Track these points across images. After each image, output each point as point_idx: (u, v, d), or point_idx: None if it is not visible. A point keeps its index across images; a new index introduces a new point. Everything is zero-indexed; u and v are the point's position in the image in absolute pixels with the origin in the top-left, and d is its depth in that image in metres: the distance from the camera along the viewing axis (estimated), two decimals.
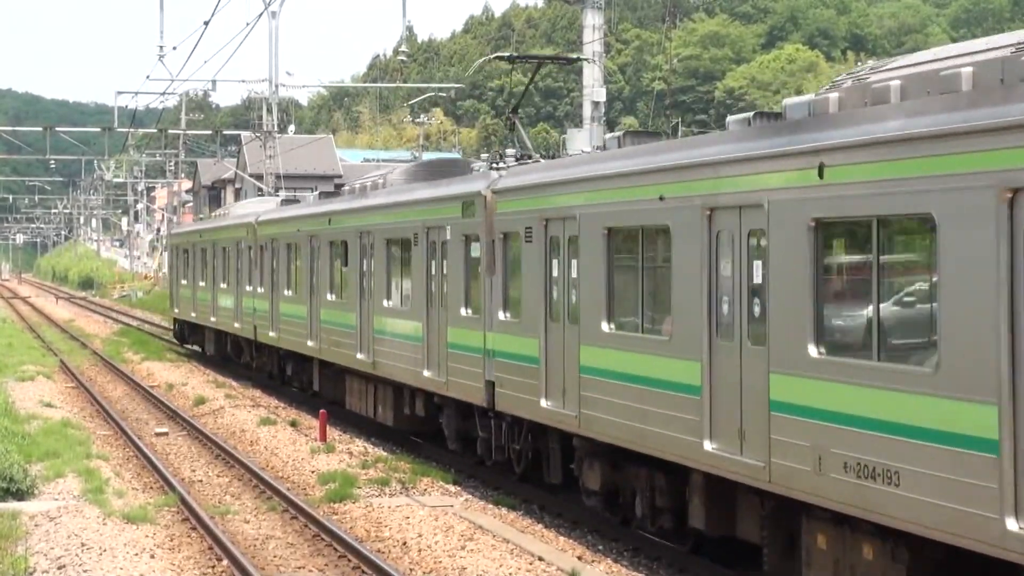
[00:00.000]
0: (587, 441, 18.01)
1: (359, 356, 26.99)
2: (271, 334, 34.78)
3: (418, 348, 23.64)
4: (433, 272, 23.24)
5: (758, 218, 13.67)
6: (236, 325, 39.47)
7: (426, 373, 23.29)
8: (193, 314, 46.95)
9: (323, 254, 29.87)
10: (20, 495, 20.89)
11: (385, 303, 25.68)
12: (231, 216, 43.66)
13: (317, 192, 34.70)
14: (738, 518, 15.12)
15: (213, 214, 48.46)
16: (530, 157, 22.58)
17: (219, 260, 42.46)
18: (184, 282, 49.43)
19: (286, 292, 33.30)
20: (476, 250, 21.40)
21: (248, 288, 37.89)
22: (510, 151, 22.92)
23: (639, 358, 16.13)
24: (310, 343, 30.77)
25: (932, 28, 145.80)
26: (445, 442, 24.12)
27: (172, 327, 54.51)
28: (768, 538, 14.33)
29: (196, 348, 49.70)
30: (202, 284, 45.30)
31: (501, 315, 20.43)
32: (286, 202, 38.99)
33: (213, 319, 43.14)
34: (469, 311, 21.71)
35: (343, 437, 28.05)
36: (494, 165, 22.39)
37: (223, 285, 41.60)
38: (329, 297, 29.33)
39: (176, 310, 51.71)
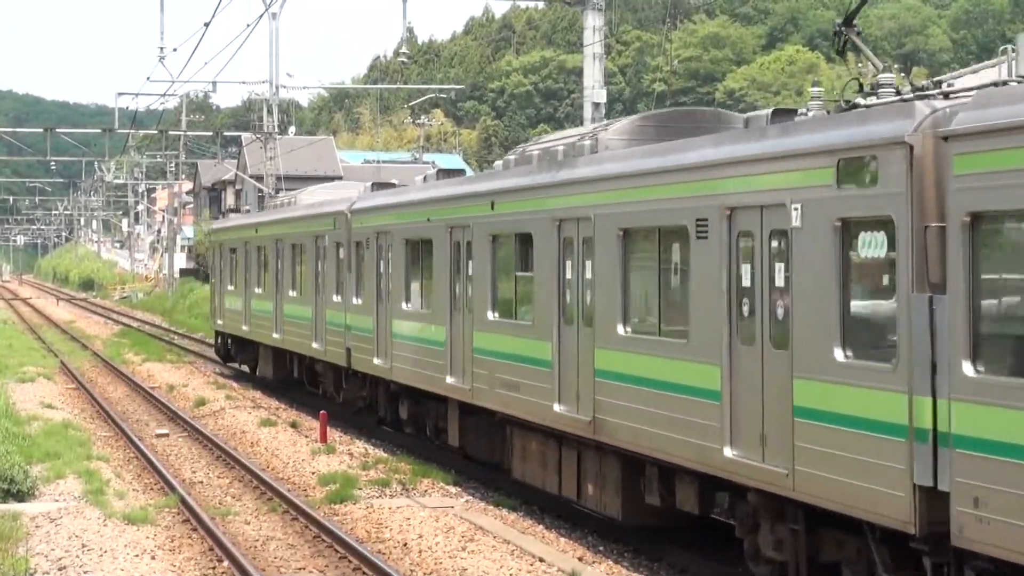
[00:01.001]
0: None
1: (558, 408, 18.17)
2: (376, 362, 26.16)
3: (708, 409, 14.69)
4: (745, 282, 14.22)
5: None
6: (315, 346, 30.72)
7: (729, 452, 14.32)
8: (245, 328, 38.16)
9: (479, 252, 21.16)
10: (21, 496, 20.90)
11: (621, 331, 16.68)
12: (302, 205, 34.34)
13: (434, 171, 26.35)
14: None
15: (272, 204, 39.15)
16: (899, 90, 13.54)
17: (287, 261, 33.79)
18: (231, 288, 40.55)
19: (404, 306, 24.84)
20: (876, 245, 12.39)
21: (336, 298, 29.18)
22: (886, 77, 13.59)
23: None
24: (450, 380, 22.25)
25: (933, 29, 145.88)
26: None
27: (214, 342, 45.12)
28: None
29: (244, 368, 41.43)
30: (259, 291, 36.69)
31: (968, 369, 11.16)
32: (379, 186, 30.57)
33: (276, 335, 34.33)
34: (850, 354, 12.66)
35: (343, 438, 28.05)
36: (849, 104, 13.59)
37: (293, 293, 33.09)
38: (490, 316, 20.81)
39: (220, 322, 42.28)
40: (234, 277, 40.40)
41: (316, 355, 31.07)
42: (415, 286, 24.67)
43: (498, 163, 22.55)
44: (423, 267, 24.08)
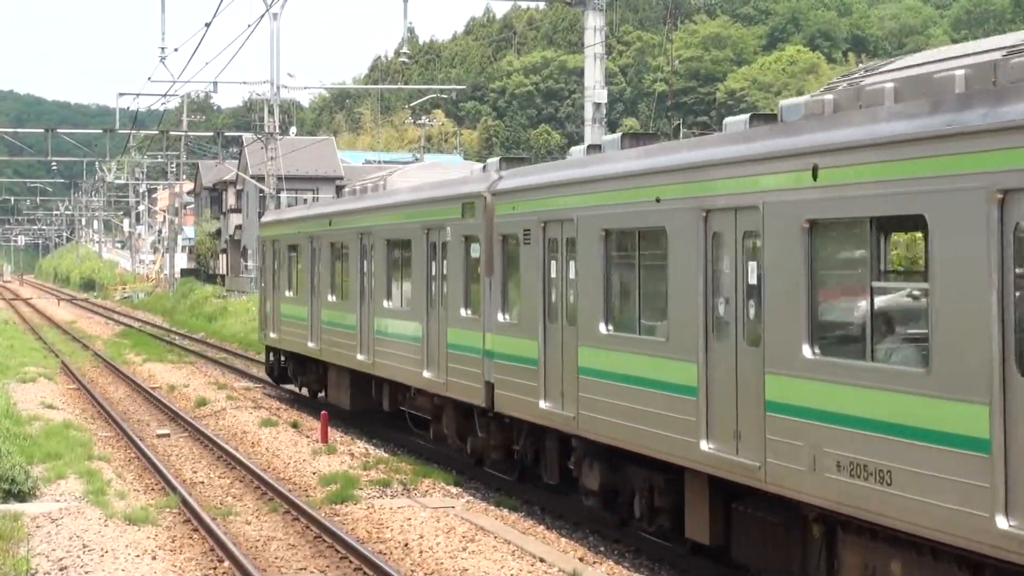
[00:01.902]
0: None
1: (1006, 524, 10.64)
2: (545, 406, 18.68)
3: None
4: None
5: None
6: (426, 375, 23.32)
7: None
8: (311, 345, 30.92)
9: (779, 250, 13.39)
10: (22, 496, 20.90)
11: None
12: (401, 190, 26.54)
13: (619, 134, 18.50)
14: None
15: (351, 189, 31.29)
16: None
17: (380, 261, 26.21)
18: (290, 294, 33.31)
19: (603, 329, 17.06)
20: None
21: (464, 313, 21.91)
22: None
23: None
24: (708, 446, 14.59)
25: (934, 29, 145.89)
26: None
27: (265, 359, 37.65)
28: None
29: (303, 392, 34.37)
30: (333, 299, 29.46)
31: None
32: (511, 162, 22.07)
33: (361, 357, 27.05)
34: None
35: (344, 438, 28.04)
36: None
37: (389, 304, 25.76)
38: (807, 354, 13.02)
39: (272, 335, 34.94)
40: (295, 281, 32.97)
41: (428, 387, 23.55)
42: (626, 301, 17.02)
43: (746, 122, 15.06)
44: (644, 271, 16.42)
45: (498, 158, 22.53)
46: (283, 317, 33.80)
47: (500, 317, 20.56)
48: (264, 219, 38.38)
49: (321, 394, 32.50)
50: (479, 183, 21.69)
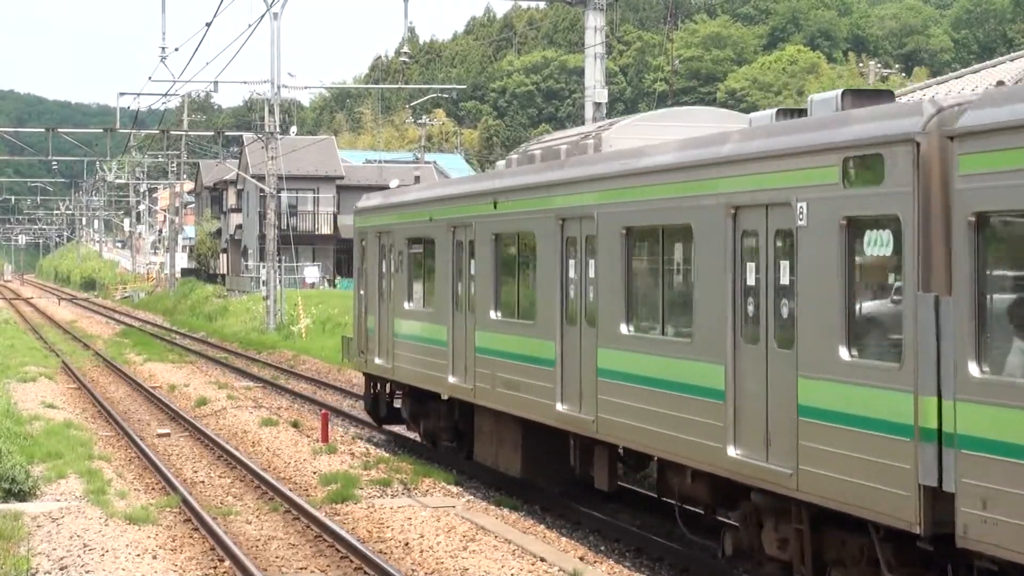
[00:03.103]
0: None
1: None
2: None
3: None
4: None
5: None
6: (734, 453, 14.25)
7: None
8: (453, 380, 22.42)
9: None
10: (22, 496, 20.91)
11: None
12: (639, 151, 16.77)
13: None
14: None
15: (517, 158, 21.51)
16: None
17: (608, 264, 17.18)
18: (411, 306, 24.82)
19: None
20: None
21: (846, 356, 12.55)
22: None
23: None
24: None
25: (934, 29, 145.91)
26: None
27: (365, 390, 28.39)
28: None
29: (424, 442, 26.08)
30: (497, 317, 20.91)
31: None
32: (788, 114, 14.91)
33: (565, 408, 18.29)
34: None
35: (345, 438, 28.04)
36: None
37: (628, 330, 16.77)
38: None
39: (379, 361, 26.31)
40: (422, 288, 24.62)
41: (738, 474, 14.30)
42: None
43: None
44: None
45: (772, 110, 15.24)
46: (399, 338, 25.21)
47: (973, 370, 11.08)
48: (364, 203, 28.43)
49: (448, 443, 24.51)
50: (898, 119, 12.07)
